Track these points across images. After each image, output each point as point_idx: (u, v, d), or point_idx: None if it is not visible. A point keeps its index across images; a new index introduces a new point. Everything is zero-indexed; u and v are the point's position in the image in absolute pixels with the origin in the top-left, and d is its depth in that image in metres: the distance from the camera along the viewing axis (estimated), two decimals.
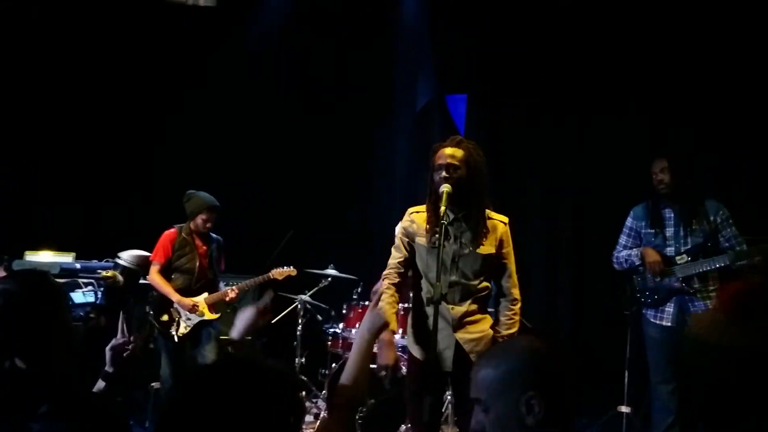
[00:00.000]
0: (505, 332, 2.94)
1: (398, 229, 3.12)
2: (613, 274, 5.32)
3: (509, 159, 5.70)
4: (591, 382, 5.07)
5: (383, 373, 2.80)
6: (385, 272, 3.04)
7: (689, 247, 3.82)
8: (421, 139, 5.98)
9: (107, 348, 1.98)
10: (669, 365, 3.87)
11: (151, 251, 4.59)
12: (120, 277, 4.32)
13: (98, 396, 1.83)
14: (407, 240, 3.03)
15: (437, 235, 2.79)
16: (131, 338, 1.97)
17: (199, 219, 4.58)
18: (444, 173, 2.85)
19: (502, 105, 5.84)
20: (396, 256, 3.04)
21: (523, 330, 4.87)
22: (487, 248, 2.91)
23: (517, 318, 2.98)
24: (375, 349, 4.15)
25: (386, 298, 2.91)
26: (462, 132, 5.74)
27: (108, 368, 1.97)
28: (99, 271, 4.39)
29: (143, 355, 4.48)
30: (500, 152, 5.61)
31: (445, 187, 2.81)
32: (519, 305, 3.00)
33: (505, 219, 3.00)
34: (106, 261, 4.63)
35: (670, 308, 3.86)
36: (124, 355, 1.98)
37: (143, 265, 4.52)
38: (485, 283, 2.95)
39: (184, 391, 1.12)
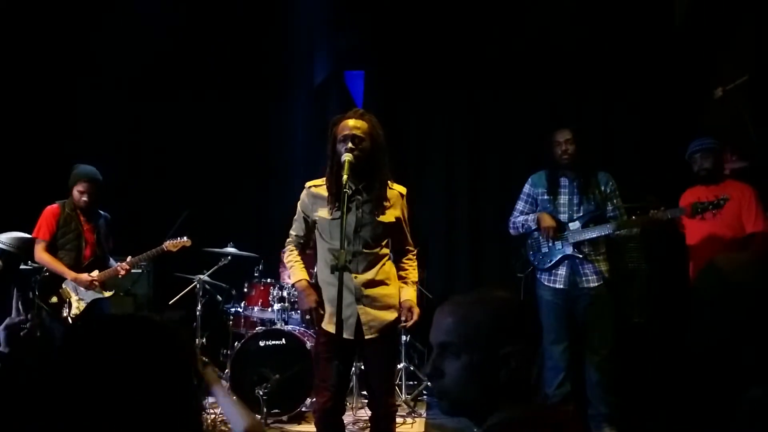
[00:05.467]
0: (411, 278, 3.15)
1: (299, 203, 3.17)
2: (507, 241, 5.59)
3: (408, 135, 5.80)
4: None
5: (308, 317, 3.01)
6: (288, 240, 3.23)
7: (581, 214, 4.02)
8: (319, 114, 5.94)
9: (0, 328, 1.85)
10: (561, 326, 4.02)
11: (30, 233, 4.27)
12: None
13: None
14: (304, 216, 3.12)
15: (338, 205, 2.83)
16: (28, 317, 1.84)
17: (76, 191, 4.30)
18: (350, 144, 2.88)
19: (399, 81, 5.90)
20: (296, 228, 3.20)
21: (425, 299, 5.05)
22: (388, 217, 3.00)
23: (415, 263, 3.21)
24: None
25: (292, 256, 3.14)
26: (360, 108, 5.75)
27: (2, 348, 1.83)
28: None
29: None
30: (398, 129, 5.70)
31: (347, 156, 2.84)
32: (414, 252, 3.24)
33: (403, 190, 3.11)
34: None
35: (561, 271, 4.03)
36: (21, 334, 1.85)
37: (24, 248, 4.18)
38: (385, 249, 3.09)
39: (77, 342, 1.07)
